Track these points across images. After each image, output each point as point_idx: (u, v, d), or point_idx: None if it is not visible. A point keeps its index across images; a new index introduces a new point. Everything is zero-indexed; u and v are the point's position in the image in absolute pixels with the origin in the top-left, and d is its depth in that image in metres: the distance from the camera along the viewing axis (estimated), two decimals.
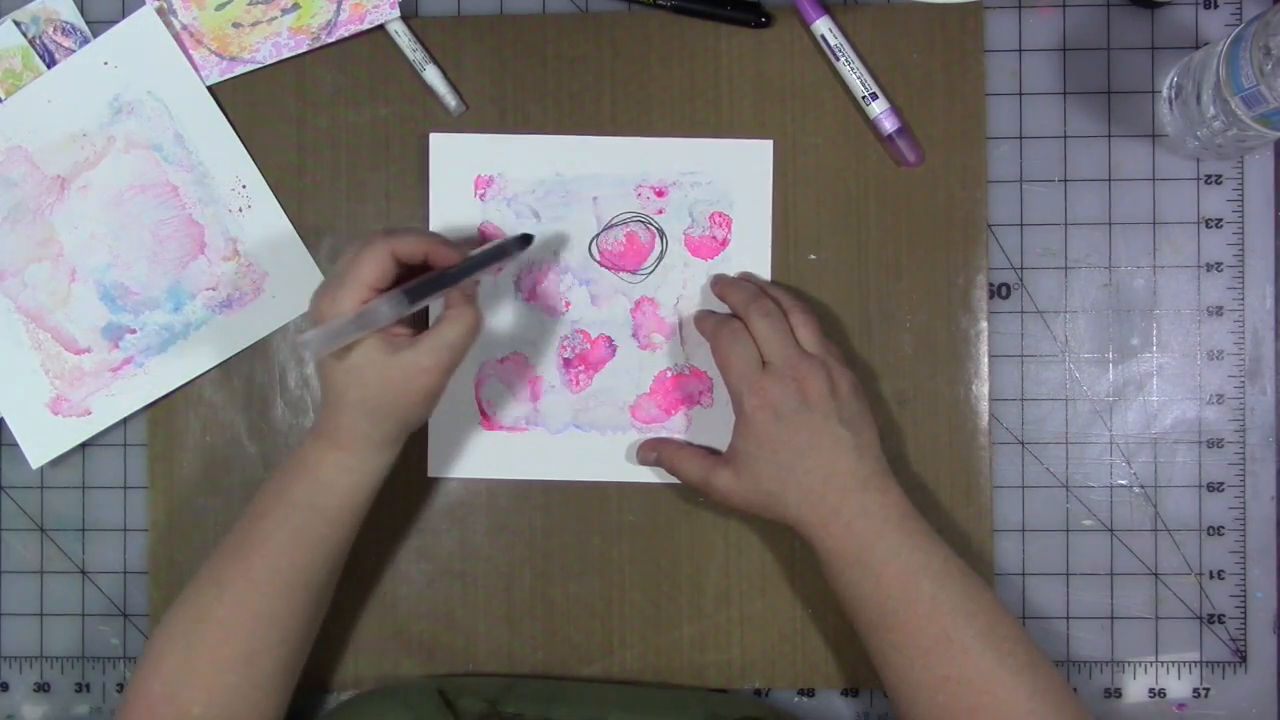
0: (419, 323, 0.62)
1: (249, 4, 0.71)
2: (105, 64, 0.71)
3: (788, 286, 0.70)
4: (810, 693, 0.71)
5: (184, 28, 0.71)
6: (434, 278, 0.60)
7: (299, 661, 0.64)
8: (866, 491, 0.62)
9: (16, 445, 0.72)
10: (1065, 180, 0.70)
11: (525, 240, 0.67)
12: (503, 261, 0.66)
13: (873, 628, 0.61)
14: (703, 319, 0.68)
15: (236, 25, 0.71)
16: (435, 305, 0.68)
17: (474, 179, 0.71)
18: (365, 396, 0.60)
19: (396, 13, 0.70)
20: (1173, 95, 0.69)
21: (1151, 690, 0.70)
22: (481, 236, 0.70)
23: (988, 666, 0.58)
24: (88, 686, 0.73)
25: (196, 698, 0.60)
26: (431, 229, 0.71)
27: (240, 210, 0.72)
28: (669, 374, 0.71)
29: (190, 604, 0.62)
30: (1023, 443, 0.71)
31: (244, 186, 0.72)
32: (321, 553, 0.63)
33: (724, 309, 0.69)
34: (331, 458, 0.62)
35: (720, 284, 0.69)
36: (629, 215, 0.71)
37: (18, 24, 0.72)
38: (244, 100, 0.72)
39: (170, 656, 0.61)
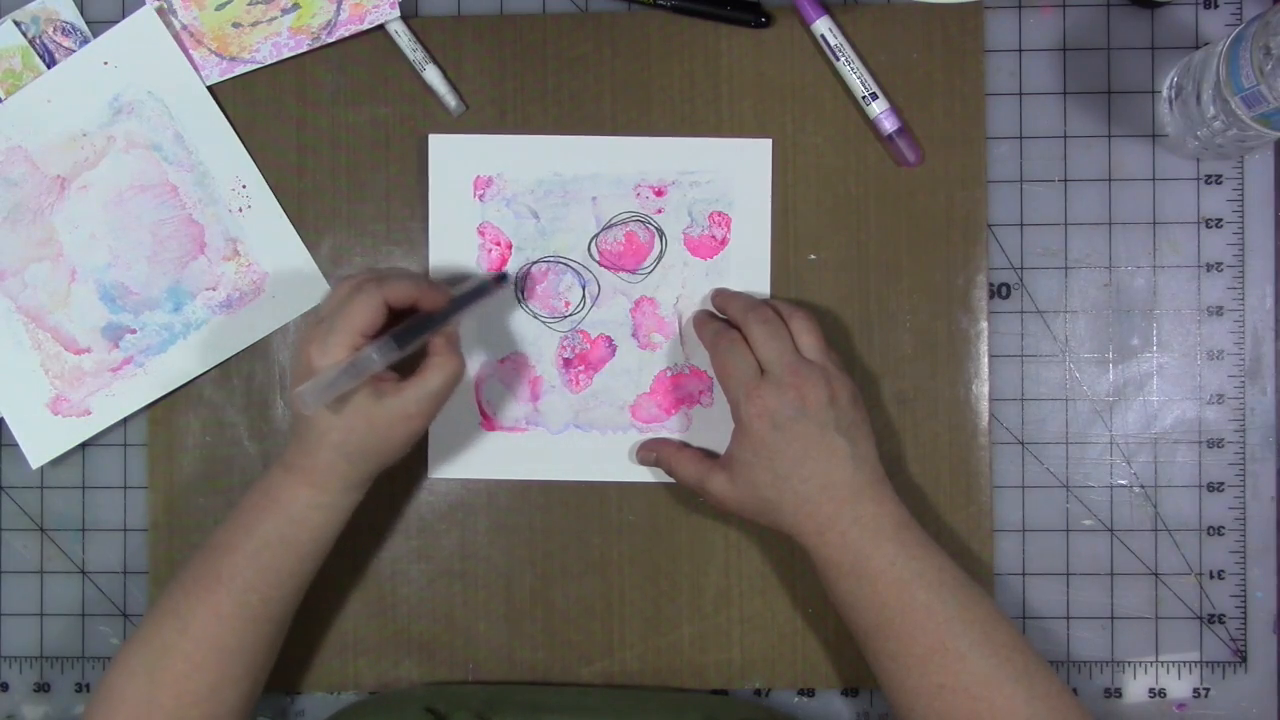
0: (401, 363, 0.63)
1: (249, 4, 0.71)
2: (105, 64, 0.71)
3: (789, 299, 0.70)
4: (810, 693, 0.71)
5: (184, 28, 0.71)
6: (421, 322, 0.61)
7: (258, 692, 0.65)
8: (862, 501, 0.62)
9: (16, 445, 0.72)
10: (1065, 180, 0.70)
11: (501, 279, 0.68)
12: (482, 300, 0.67)
13: (869, 636, 0.61)
14: (702, 325, 0.68)
15: (236, 25, 0.71)
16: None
17: (473, 179, 0.71)
18: (348, 440, 0.61)
19: (396, 13, 0.70)
20: (1173, 95, 0.69)
21: (1151, 690, 0.70)
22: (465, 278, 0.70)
23: (984, 674, 0.58)
24: (88, 686, 0.73)
25: None
26: (431, 228, 0.71)
27: (240, 210, 0.72)
28: (669, 373, 0.71)
29: (151, 639, 0.62)
30: (1023, 443, 0.71)
31: (244, 186, 0.72)
32: (289, 587, 0.63)
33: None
34: (305, 495, 0.62)
35: (719, 296, 0.69)
36: (628, 215, 0.71)
37: (18, 24, 0.72)
38: (244, 100, 0.72)
39: (131, 692, 0.61)
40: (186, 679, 0.61)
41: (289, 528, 0.62)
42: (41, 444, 0.72)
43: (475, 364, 0.71)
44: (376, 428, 0.61)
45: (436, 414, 0.62)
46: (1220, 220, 0.70)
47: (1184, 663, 0.70)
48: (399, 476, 0.71)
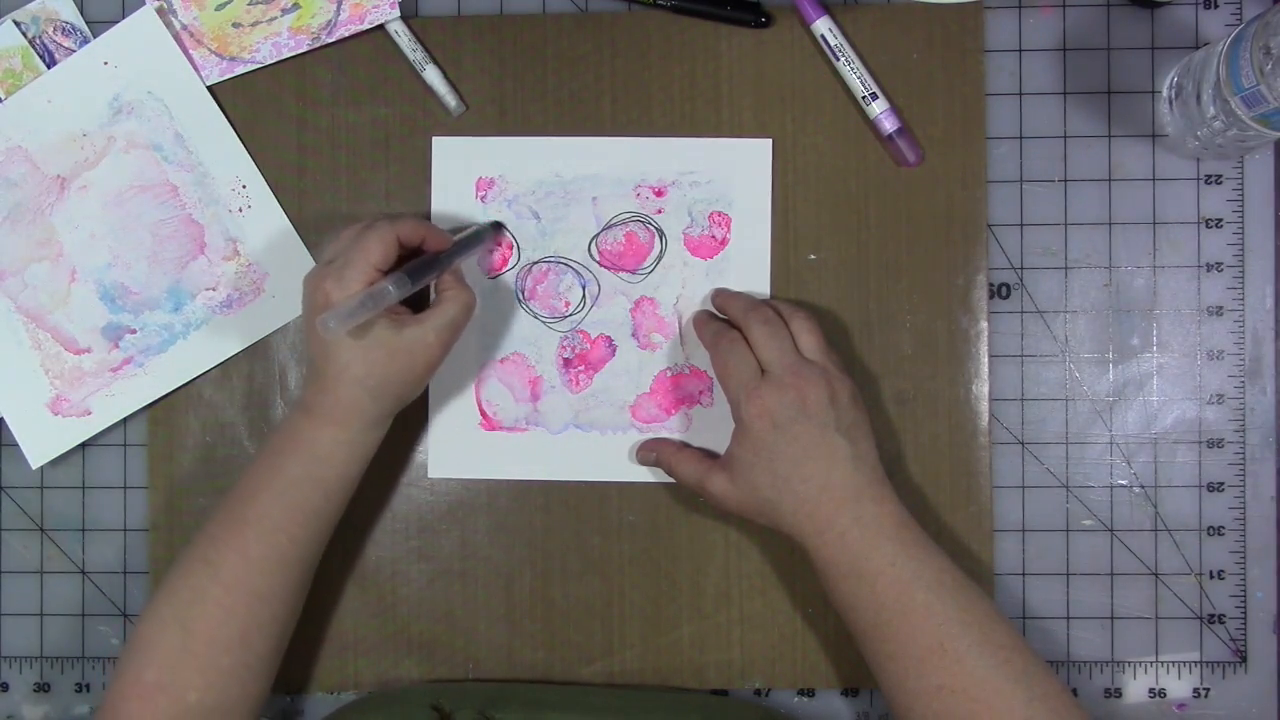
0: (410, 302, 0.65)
1: (249, 4, 0.71)
2: (105, 64, 0.71)
3: (789, 299, 0.70)
4: (810, 693, 0.71)
5: (184, 28, 0.71)
6: (430, 260, 0.64)
7: (285, 643, 0.65)
8: (861, 502, 0.62)
9: (16, 445, 0.72)
10: (1065, 180, 0.70)
11: (498, 226, 0.71)
12: (484, 245, 0.70)
13: (868, 637, 0.61)
14: (702, 325, 0.68)
15: (236, 25, 0.71)
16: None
17: (475, 181, 0.71)
18: (370, 373, 0.62)
19: (396, 13, 0.70)
20: (1173, 95, 0.69)
21: (1151, 690, 0.70)
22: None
23: (983, 675, 0.58)
24: (88, 686, 0.73)
25: (193, 683, 0.61)
26: None
27: (240, 210, 0.72)
28: (669, 373, 0.71)
29: (180, 588, 0.62)
30: (1023, 443, 0.71)
31: (244, 186, 0.72)
32: (315, 527, 0.64)
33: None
34: (328, 433, 0.63)
35: (720, 296, 0.69)
36: (628, 215, 0.71)
37: (18, 24, 0.72)
38: (244, 100, 0.72)
39: (164, 642, 0.61)
40: (219, 625, 0.61)
41: (314, 466, 0.63)
42: (41, 444, 0.72)
43: (475, 364, 0.71)
44: (397, 358, 0.62)
45: (453, 344, 0.64)
46: (1220, 220, 0.70)
47: (1184, 663, 0.70)
48: (399, 476, 0.71)
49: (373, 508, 0.71)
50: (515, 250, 0.71)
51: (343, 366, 0.62)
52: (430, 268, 0.64)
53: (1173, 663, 0.70)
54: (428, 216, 0.71)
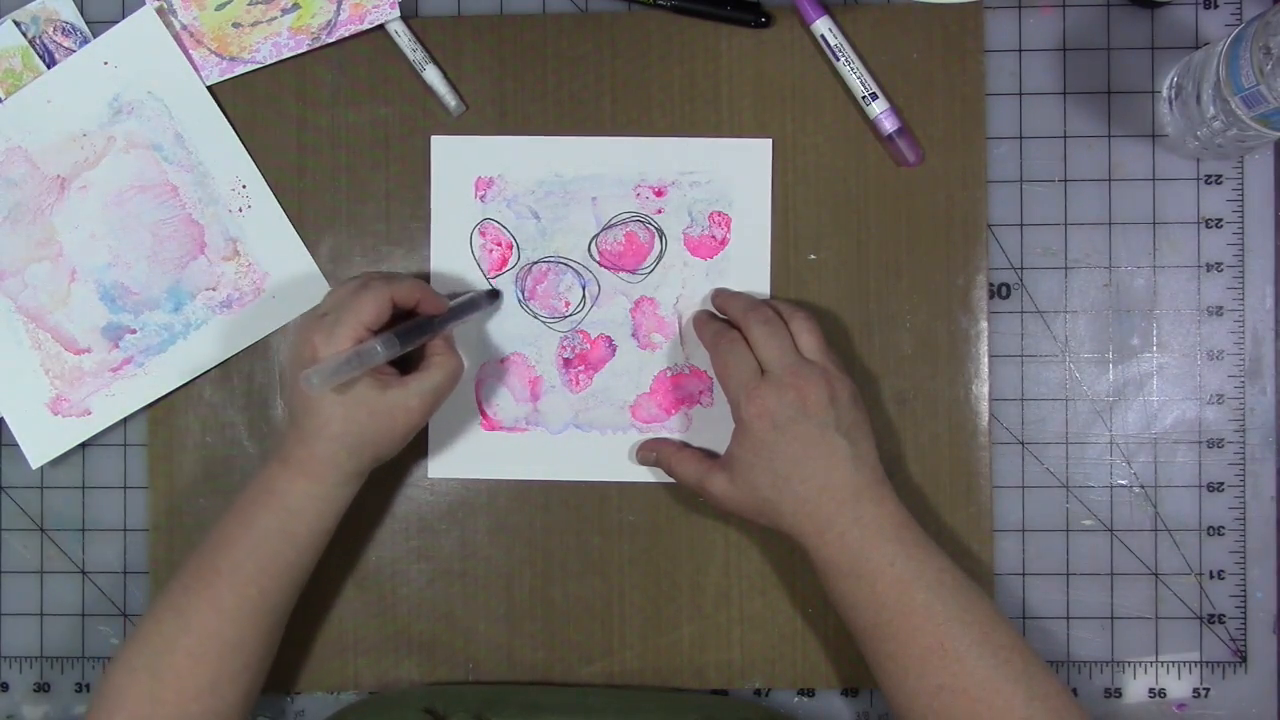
0: (397, 364, 0.65)
1: (249, 4, 0.71)
2: (105, 64, 0.71)
3: (789, 299, 0.70)
4: (810, 693, 0.71)
5: (184, 28, 0.71)
6: (422, 323, 0.64)
7: (256, 691, 0.65)
8: (861, 502, 0.62)
9: (16, 445, 0.72)
10: (1065, 180, 0.70)
11: (495, 294, 0.71)
12: (479, 312, 0.70)
13: (868, 636, 0.61)
14: (702, 326, 0.68)
15: (236, 25, 0.71)
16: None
17: (474, 180, 0.71)
18: (349, 430, 0.62)
19: (396, 13, 0.70)
20: (1173, 95, 0.69)
21: (1151, 690, 0.70)
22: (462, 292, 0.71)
23: (983, 675, 0.58)
24: (88, 687, 0.73)
25: None
26: (433, 229, 0.71)
27: (240, 210, 0.72)
28: (669, 373, 0.71)
29: (151, 636, 0.62)
30: (1023, 443, 0.71)
31: (244, 186, 0.72)
32: (288, 579, 0.64)
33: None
34: (300, 486, 0.63)
35: (720, 296, 0.69)
36: (628, 215, 0.71)
37: (18, 24, 0.72)
38: (244, 100, 0.72)
39: (134, 690, 0.61)
40: (188, 674, 0.61)
41: (287, 520, 0.63)
42: (41, 444, 0.72)
43: (475, 364, 0.71)
44: (378, 417, 0.62)
45: (435, 410, 0.64)
46: (1220, 220, 0.70)
47: (1184, 663, 0.70)
48: (399, 476, 0.71)
49: (373, 508, 0.71)
50: (515, 250, 0.71)
51: (323, 422, 0.62)
52: (421, 331, 0.63)
53: (1173, 663, 0.70)
54: (428, 218, 0.71)
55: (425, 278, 0.71)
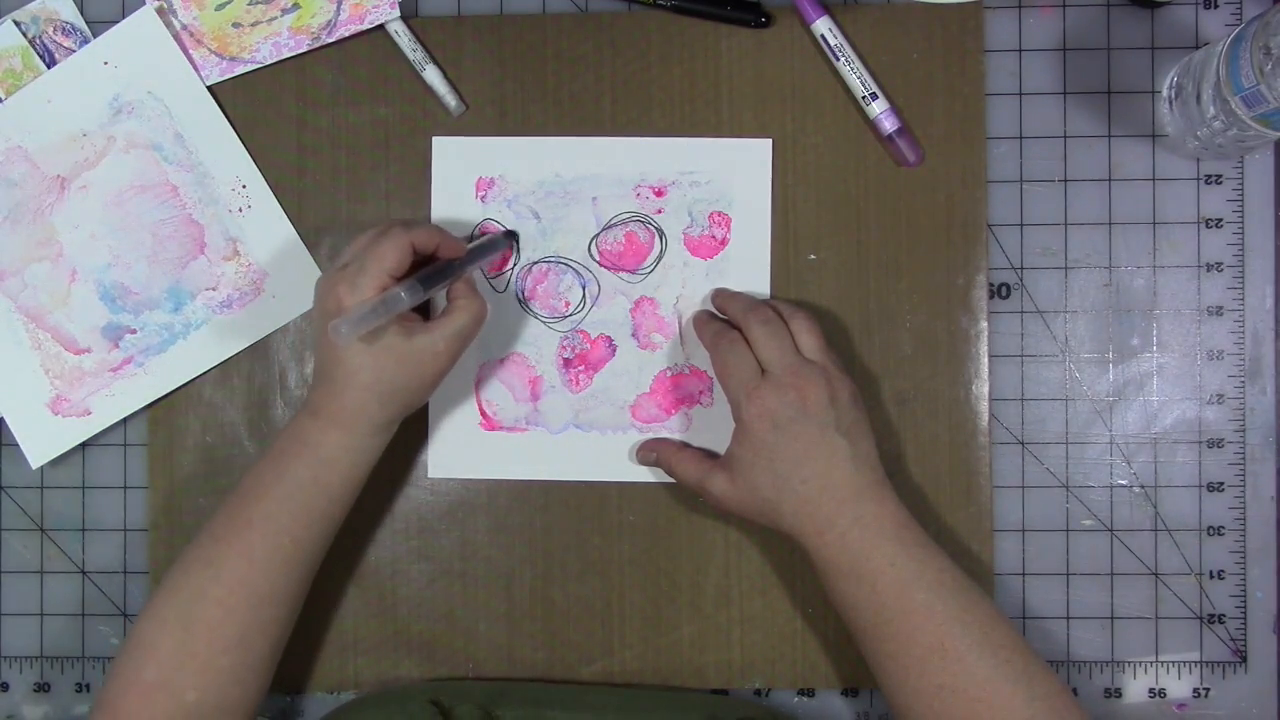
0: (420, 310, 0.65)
1: (249, 4, 0.71)
2: (105, 64, 0.71)
3: (789, 299, 0.70)
4: (810, 693, 0.71)
5: (184, 28, 0.71)
6: (443, 267, 0.64)
7: (283, 645, 0.65)
8: (862, 502, 0.62)
9: (16, 445, 0.72)
10: (1065, 180, 0.70)
11: (511, 235, 0.71)
12: (496, 254, 0.70)
13: (868, 636, 0.61)
14: (702, 325, 0.68)
15: (236, 25, 0.71)
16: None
17: (475, 181, 0.71)
18: (379, 379, 0.62)
19: (396, 13, 0.70)
20: (1173, 95, 0.69)
21: (1151, 690, 0.70)
22: (480, 233, 0.71)
23: (983, 675, 0.58)
24: (88, 686, 0.73)
25: (192, 682, 0.61)
26: None
27: (240, 210, 0.72)
28: (669, 373, 0.71)
29: (180, 588, 0.62)
30: (1023, 443, 0.71)
31: (244, 186, 0.72)
32: (319, 530, 0.64)
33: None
34: (333, 438, 0.63)
35: (719, 296, 0.69)
36: (628, 215, 0.71)
37: (18, 24, 0.72)
38: (244, 100, 0.72)
39: (164, 641, 0.61)
40: (219, 625, 0.61)
41: (320, 470, 0.63)
42: (41, 444, 0.72)
43: (475, 364, 0.71)
44: (406, 365, 0.62)
45: (461, 354, 0.65)
46: (1220, 220, 0.70)
47: (1184, 663, 0.70)
48: (399, 476, 0.71)
49: (373, 508, 0.71)
50: (515, 250, 0.71)
51: (352, 371, 0.62)
52: (443, 275, 0.64)
53: (1173, 663, 0.70)
54: (429, 218, 0.71)
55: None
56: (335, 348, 0.62)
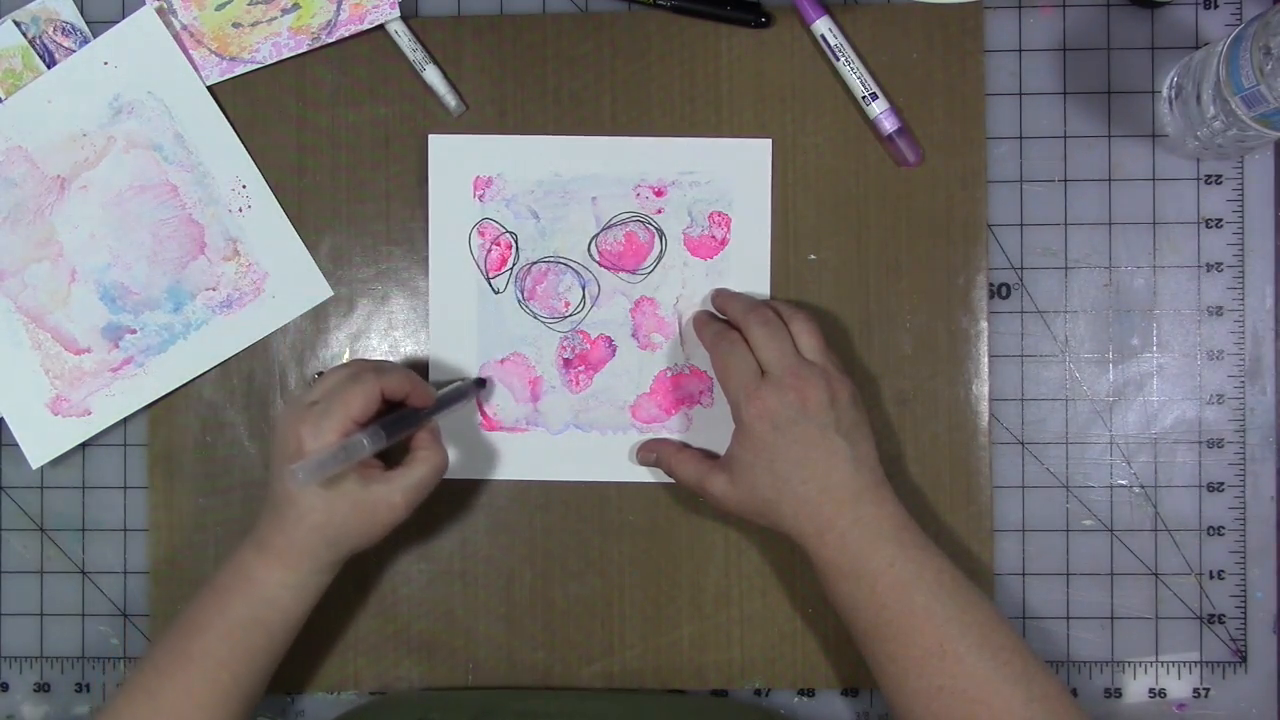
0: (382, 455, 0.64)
1: (249, 4, 0.71)
2: (105, 64, 0.71)
3: (789, 299, 0.70)
4: (810, 693, 0.71)
5: (184, 28, 0.71)
6: (409, 415, 0.64)
7: None
8: (861, 503, 0.62)
9: (16, 445, 0.72)
10: (1065, 180, 0.70)
11: (481, 383, 0.70)
12: (466, 401, 0.69)
13: (868, 638, 0.61)
14: (702, 325, 0.68)
15: (236, 25, 0.71)
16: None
17: (473, 179, 0.71)
18: (330, 522, 0.62)
19: (396, 13, 0.70)
20: (1173, 95, 0.69)
21: (1151, 690, 0.70)
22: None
23: (983, 676, 0.58)
24: (88, 686, 0.73)
25: None
26: (431, 228, 0.71)
27: (240, 210, 0.72)
28: (669, 374, 0.71)
29: (123, 715, 0.62)
30: (1023, 443, 0.71)
31: (244, 186, 0.72)
32: (260, 664, 0.64)
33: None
34: (277, 575, 0.63)
35: (720, 296, 0.69)
36: (628, 215, 0.71)
37: (18, 24, 0.72)
38: (244, 100, 0.72)
39: None
40: None
41: (261, 608, 0.63)
42: (41, 444, 0.72)
43: (475, 364, 0.71)
44: (360, 511, 0.62)
45: (417, 505, 0.64)
46: (1220, 220, 0.70)
47: (1184, 663, 0.70)
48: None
49: None
50: (514, 250, 0.71)
51: (304, 511, 0.61)
52: (407, 423, 0.63)
53: (1173, 663, 0.70)
54: (427, 217, 0.71)
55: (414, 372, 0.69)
56: (289, 488, 0.61)
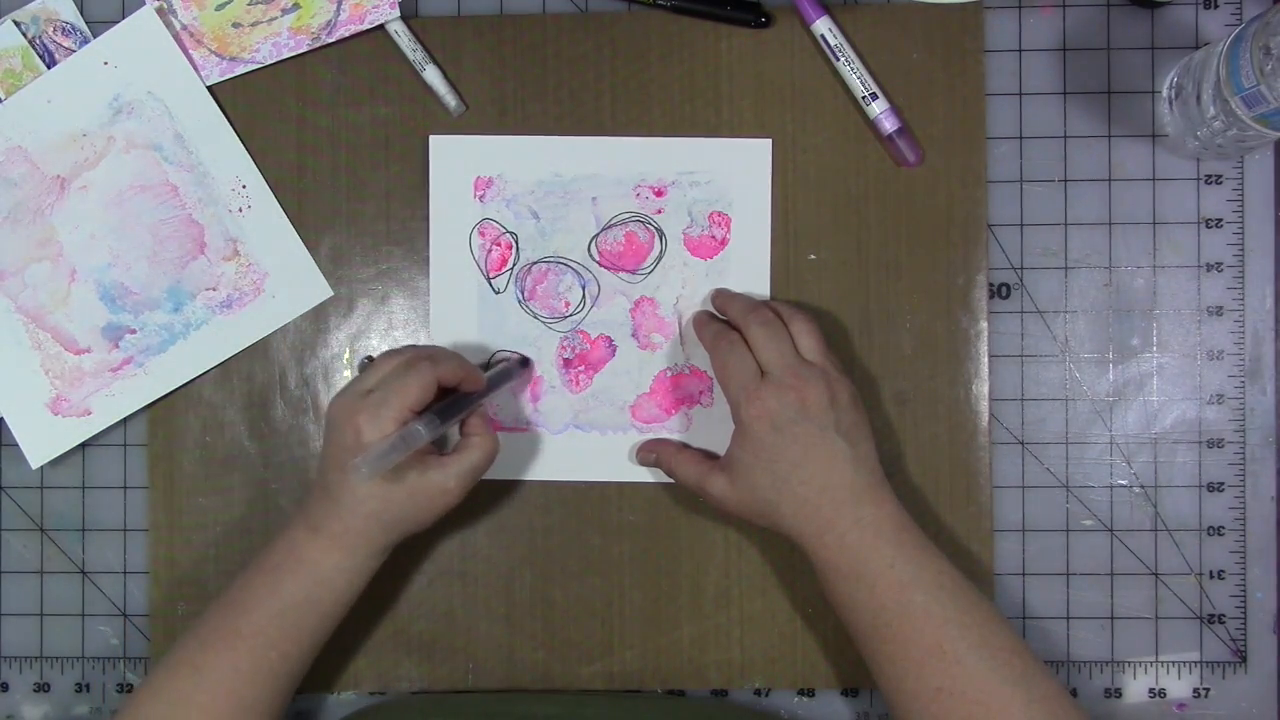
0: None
1: (249, 4, 0.71)
2: (105, 64, 0.71)
3: (789, 299, 0.70)
4: (810, 693, 0.71)
5: (184, 28, 0.71)
6: (461, 399, 0.64)
7: None
8: (861, 504, 0.62)
9: (16, 445, 0.72)
10: (1065, 180, 0.70)
11: (526, 362, 0.71)
12: (513, 381, 0.70)
13: (867, 638, 0.61)
14: (702, 326, 0.68)
15: (236, 25, 0.71)
16: None
17: (473, 180, 0.71)
18: (387, 509, 0.62)
19: (396, 13, 0.70)
20: (1173, 95, 0.69)
21: (1151, 690, 0.70)
22: (495, 361, 0.71)
23: (982, 678, 0.58)
24: (88, 686, 0.73)
25: None
26: (432, 229, 0.71)
27: (240, 210, 0.72)
28: (669, 374, 0.71)
29: (165, 690, 0.62)
30: (1023, 443, 0.71)
31: (244, 186, 0.72)
32: (308, 644, 0.64)
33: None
34: (333, 559, 0.63)
35: (720, 297, 0.69)
36: (628, 215, 0.71)
37: (18, 24, 0.72)
38: (244, 100, 0.72)
39: None
40: None
41: (315, 589, 0.63)
42: (41, 444, 0.72)
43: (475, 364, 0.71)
44: (416, 497, 0.62)
45: (470, 489, 0.64)
46: (1220, 220, 0.70)
47: (1184, 663, 0.70)
48: None
49: None
50: (515, 250, 0.71)
51: (361, 498, 0.62)
52: (460, 407, 0.64)
53: (1173, 663, 0.70)
54: (427, 218, 0.71)
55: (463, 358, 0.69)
56: (346, 473, 0.61)
